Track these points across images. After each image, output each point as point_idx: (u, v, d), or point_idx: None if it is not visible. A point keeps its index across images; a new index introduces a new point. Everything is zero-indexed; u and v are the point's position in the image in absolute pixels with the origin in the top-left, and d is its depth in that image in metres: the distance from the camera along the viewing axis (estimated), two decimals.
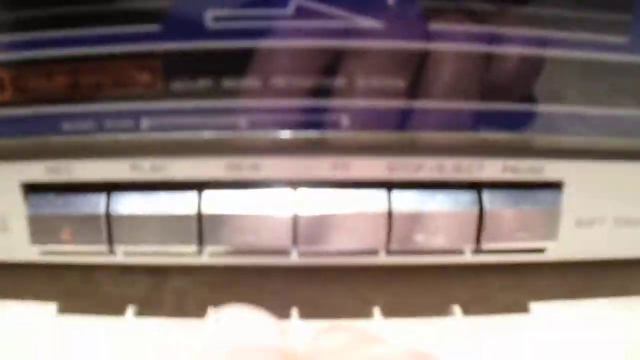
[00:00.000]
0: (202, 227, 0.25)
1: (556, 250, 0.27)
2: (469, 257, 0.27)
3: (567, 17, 0.23)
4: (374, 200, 0.25)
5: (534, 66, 0.24)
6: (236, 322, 0.21)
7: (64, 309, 0.29)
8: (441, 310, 0.28)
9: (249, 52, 0.23)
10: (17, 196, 0.26)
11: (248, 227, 0.25)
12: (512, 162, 0.26)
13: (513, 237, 0.26)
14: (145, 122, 0.24)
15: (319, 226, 0.25)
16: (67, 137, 0.24)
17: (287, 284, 0.29)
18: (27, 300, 0.29)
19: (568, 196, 0.26)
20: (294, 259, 0.26)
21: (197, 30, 0.23)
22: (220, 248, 0.26)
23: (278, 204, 0.25)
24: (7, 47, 0.23)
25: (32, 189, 0.26)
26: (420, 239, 0.26)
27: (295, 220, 0.25)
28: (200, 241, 0.25)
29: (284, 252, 0.26)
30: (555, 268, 0.29)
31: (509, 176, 0.26)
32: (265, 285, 0.29)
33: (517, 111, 0.24)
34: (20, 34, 0.23)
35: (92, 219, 0.25)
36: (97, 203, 0.25)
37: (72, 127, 0.24)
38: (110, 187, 0.26)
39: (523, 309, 0.29)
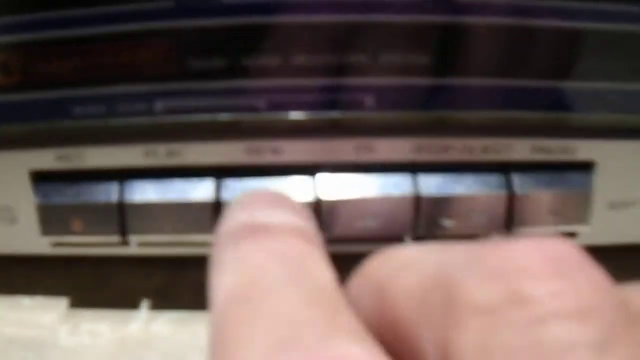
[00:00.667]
0: (220, 215, 0.24)
1: (588, 235, 0.26)
2: None
3: None
4: (399, 184, 0.24)
5: (566, 40, 0.23)
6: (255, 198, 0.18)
7: (75, 303, 0.28)
8: None
9: (268, 28, 0.22)
10: (26, 185, 0.25)
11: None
12: (542, 142, 0.24)
13: (543, 221, 0.25)
14: (159, 105, 0.23)
15: (342, 211, 0.24)
16: (78, 122, 0.23)
17: None
18: (38, 294, 0.28)
19: (600, 178, 0.25)
20: None
21: (213, 6, 0.21)
22: None
23: (299, 189, 0.24)
24: (13, 28, 0.22)
25: (41, 178, 0.25)
26: (448, 223, 0.25)
27: (316, 205, 0.24)
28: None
29: None
30: (588, 253, 0.28)
31: (539, 157, 0.25)
32: None
33: (547, 88, 0.23)
34: (26, 14, 0.22)
35: (105, 208, 0.24)
36: (109, 191, 0.24)
37: (82, 112, 0.23)
38: (123, 175, 0.24)
39: None
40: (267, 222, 0.17)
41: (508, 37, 0.22)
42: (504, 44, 0.23)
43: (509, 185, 0.25)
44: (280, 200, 0.19)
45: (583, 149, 0.25)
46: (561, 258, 0.13)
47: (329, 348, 0.13)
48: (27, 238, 0.26)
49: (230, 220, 0.18)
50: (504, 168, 0.25)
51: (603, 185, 0.25)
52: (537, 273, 0.13)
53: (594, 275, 0.13)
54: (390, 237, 0.25)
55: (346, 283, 0.18)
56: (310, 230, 0.18)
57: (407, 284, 0.15)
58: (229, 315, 0.15)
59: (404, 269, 0.15)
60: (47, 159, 0.24)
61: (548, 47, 0.23)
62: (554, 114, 0.24)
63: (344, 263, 0.28)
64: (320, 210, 0.24)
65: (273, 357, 0.13)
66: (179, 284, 0.28)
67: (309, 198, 0.24)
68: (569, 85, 0.23)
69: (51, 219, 0.25)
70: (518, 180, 0.25)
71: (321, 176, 0.24)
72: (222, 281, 0.16)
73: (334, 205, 0.24)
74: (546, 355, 0.12)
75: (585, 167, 0.25)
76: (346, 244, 0.25)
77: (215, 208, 0.24)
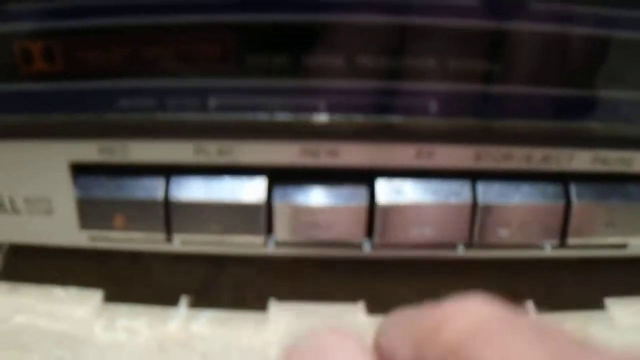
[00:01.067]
0: (270, 217, 0.23)
1: (638, 246, 0.25)
2: (548, 252, 0.25)
3: None
4: (458, 191, 0.23)
5: (628, 51, 0.22)
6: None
7: (110, 296, 0.27)
8: (514, 306, 0.27)
9: (332, 27, 0.21)
10: (65, 177, 0.24)
11: (320, 217, 0.23)
12: (602, 153, 0.24)
13: (598, 232, 0.25)
14: (213, 101, 0.22)
15: (396, 217, 0.23)
16: (124, 115, 0.22)
17: (353, 277, 0.28)
18: (71, 285, 0.27)
19: None
20: (367, 251, 0.24)
21: (279, 1, 0.20)
22: (288, 239, 0.24)
23: (354, 192, 0.23)
24: (59, 14, 0.21)
25: (81, 170, 0.24)
26: (503, 232, 0.24)
27: (370, 210, 0.23)
28: (268, 231, 0.23)
29: (356, 244, 0.24)
30: (631, 262, 0.27)
31: (598, 167, 0.24)
32: (328, 277, 0.28)
33: (607, 99, 0.22)
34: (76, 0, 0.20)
35: (149, 204, 0.23)
36: (155, 187, 0.23)
37: (129, 104, 0.22)
38: (169, 171, 0.23)
39: (598, 304, 0.27)
40: None
41: (571, 47, 0.22)
42: (567, 53, 0.22)
43: (566, 196, 0.24)
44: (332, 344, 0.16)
45: None
46: None
47: None
48: (64, 230, 0.25)
49: None
50: (562, 178, 0.24)
51: None
52: None
53: None
54: (443, 245, 0.24)
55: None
56: None
57: None
58: None
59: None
60: (89, 151, 0.23)
61: (610, 57, 0.22)
62: (613, 125, 0.23)
63: (388, 268, 0.28)
64: (372, 216, 0.23)
65: None
66: (219, 281, 0.28)
67: (362, 203, 0.23)
68: (629, 96, 0.22)
69: (91, 214, 0.24)
70: (576, 191, 0.24)
71: (377, 180, 0.23)
72: None
73: (387, 211, 0.23)
74: None
75: None
76: (397, 250, 0.24)
77: (266, 209, 0.23)
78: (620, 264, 0.27)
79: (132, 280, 0.28)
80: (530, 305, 0.27)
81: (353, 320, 0.26)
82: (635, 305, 0.28)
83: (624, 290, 0.28)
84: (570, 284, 0.28)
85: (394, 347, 0.16)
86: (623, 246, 0.26)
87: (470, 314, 0.15)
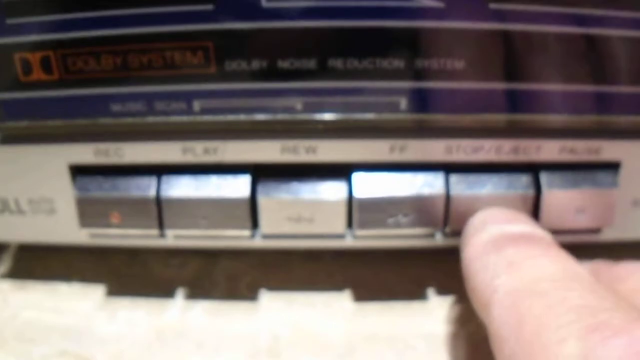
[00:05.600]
0: (255, 211, 0.25)
1: (612, 231, 0.27)
2: None
3: None
4: (431, 183, 0.25)
5: (593, 46, 0.23)
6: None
7: (111, 290, 0.29)
8: None
9: (305, 32, 0.22)
10: (65, 178, 0.25)
11: (301, 211, 0.25)
12: (569, 143, 0.25)
13: (570, 219, 0.26)
14: (197, 104, 0.23)
15: (375, 209, 0.25)
16: (117, 119, 0.24)
17: (340, 266, 0.29)
18: (74, 281, 0.29)
19: (625, 176, 0.26)
20: (349, 242, 0.26)
21: (252, 9, 0.22)
22: (273, 232, 0.25)
23: (333, 187, 0.25)
24: (54, 26, 0.22)
25: (80, 171, 0.25)
26: None
27: (350, 203, 0.25)
28: (254, 225, 0.25)
29: (339, 235, 0.25)
30: (610, 249, 0.28)
31: (566, 157, 0.25)
32: (317, 267, 0.29)
33: (573, 92, 0.24)
34: (67, 13, 0.22)
35: (142, 202, 0.25)
36: (147, 186, 0.25)
37: (121, 109, 0.24)
38: (160, 170, 0.25)
39: None
40: (520, 232, 0.22)
41: (542, 44, 0.23)
42: (537, 50, 0.23)
43: (536, 185, 0.25)
44: (517, 216, 0.24)
45: (608, 149, 0.25)
46: None
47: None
48: (66, 229, 0.26)
49: (483, 233, 0.22)
50: (532, 167, 0.25)
51: (627, 184, 0.26)
52: None
53: None
54: (421, 234, 0.26)
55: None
56: (548, 237, 0.23)
57: None
58: (524, 309, 0.18)
59: None
60: (86, 153, 0.25)
61: (576, 52, 0.23)
62: (580, 117, 0.24)
63: (373, 258, 0.29)
64: (352, 208, 0.25)
65: (591, 339, 0.16)
66: (213, 273, 0.29)
67: (342, 196, 0.25)
68: (595, 89, 0.24)
69: (90, 212, 0.25)
70: (546, 180, 0.25)
71: (354, 175, 0.25)
72: (497, 282, 0.20)
73: (367, 203, 0.25)
74: None
75: (611, 166, 0.26)
76: (378, 240, 0.26)
77: (251, 205, 0.25)
78: (599, 250, 0.28)
79: (131, 275, 0.29)
80: None
81: (340, 307, 0.28)
82: None
83: None
84: None
85: None
86: (597, 231, 0.27)
87: None
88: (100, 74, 0.23)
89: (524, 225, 0.23)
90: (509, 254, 0.21)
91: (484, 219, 0.24)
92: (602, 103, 0.24)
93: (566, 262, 0.21)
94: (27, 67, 0.23)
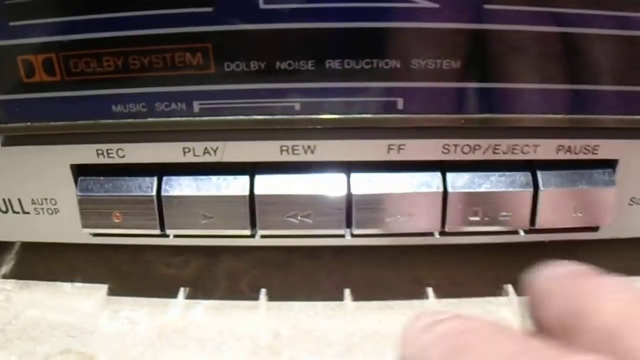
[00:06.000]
0: (254, 209, 0.25)
1: (610, 229, 0.27)
2: (522, 236, 0.26)
3: None
4: (429, 182, 0.25)
5: (586, 46, 0.23)
6: None
7: (114, 290, 0.29)
8: (494, 290, 0.28)
9: (302, 33, 0.22)
10: (68, 179, 0.26)
11: (302, 208, 0.25)
12: (566, 142, 0.25)
13: (567, 217, 0.26)
14: (197, 105, 0.24)
15: (374, 207, 0.25)
16: (118, 120, 0.24)
17: (340, 265, 0.29)
18: (77, 281, 0.29)
19: (622, 175, 0.26)
20: (348, 239, 0.26)
21: (250, 11, 0.22)
22: (273, 230, 0.25)
23: (332, 185, 0.25)
24: (56, 29, 0.23)
25: (82, 172, 0.26)
26: (474, 220, 0.25)
27: (349, 201, 0.25)
28: (253, 223, 0.25)
29: (338, 233, 0.25)
30: (609, 246, 0.28)
31: (563, 156, 0.25)
32: (317, 266, 0.29)
33: (570, 92, 0.24)
34: (69, 16, 0.22)
35: (143, 201, 0.25)
36: (148, 186, 0.25)
37: (122, 110, 0.24)
38: (161, 170, 0.25)
39: None
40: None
41: (532, 44, 0.23)
42: (529, 50, 0.23)
43: (534, 183, 0.25)
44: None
45: (605, 148, 0.25)
46: None
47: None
48: (69, 228, 0.27)
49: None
50: (530, 166, 0.25)
51: (623, 182, 0.26)
52: None
53: None
54: (419, 233, 0.26)
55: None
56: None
57: None
58: None
59: None
60: (88, 153, 0.25)
61: (571, 52, 0.23)
62: (577, 116, 0.24)
63: (373, 256, 0.29)
64: (351, 206, 0.25)
65: None
66: (214, 272, 0.29)
67: (341, 194, 0.25)
68: (591, 88, 0.24)
69: (92, 211, 0.26)
70: (543, 178, 0.25)
71: (353, 174, 0.25)
72: None
73: (365, 201, 0.25)
74: None
75: (608, 164, 0.26)
76: (376, 238, 0.26)
77: (250, 202, 0.25)
78: (598, 247, 0.29)
79: (133, 275, 0.30)
80: (510, 289, 0.28)
81: (340, 305, 0.28)
82: None
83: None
84: None
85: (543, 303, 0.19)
86: (594, 229, 0.27)
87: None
88: (102, 76, 0.23)
89: None
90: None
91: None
92: (598, 102, 0.24)
93: None
94: (30, 69, 0.23)
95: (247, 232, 0.25)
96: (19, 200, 0.27)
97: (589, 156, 0.25)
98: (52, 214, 0.27)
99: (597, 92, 0.24)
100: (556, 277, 0.19)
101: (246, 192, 0.25)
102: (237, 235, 0.26)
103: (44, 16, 0.22)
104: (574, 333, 0.17)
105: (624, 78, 0.24)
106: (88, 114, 0.24)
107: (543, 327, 0.18)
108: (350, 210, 0.25)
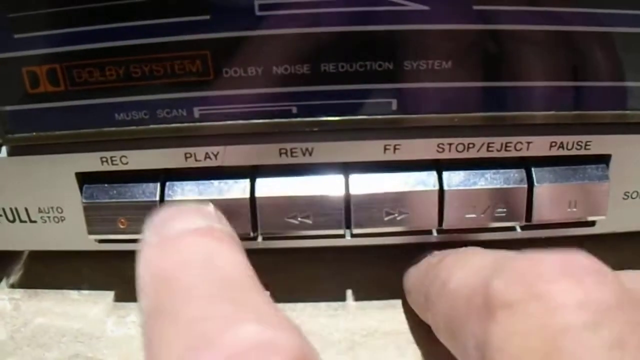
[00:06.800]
0: (255, 212, 0.26)
1: (606, 223, 0.27)
2: (519, 233, 0.27)
3: None
4: (425, 180, 0.25)
5: (579, 43, 0.24)
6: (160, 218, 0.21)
7: (120, 296, 0.30)
8: None
9: (297, 38, 0.23)
10: (74, 186, 0.26)
11: (302, 209, 0.25)
12: (559, 139, 0.26)
13: (562, 212, 0.26)
14: (197, 111, 0.24)
15: (372, 207, 0.25)
16: (121, 128, 0.25)
17: (341, 265, 0.30)
18: (85, 289, 0.30)
19: (615, 169, 0.26)
20: (348, 239, 0.26)
21: (246, 18, 0.23)
22: (274, 231, 0.26)
23: (330, 186, 0.25)
24: (59, 40, 0.23)
25: (87, 180, 0.26)
26: (472, 217, 0.26)
27: (347, 201, 0.25)
28: (255, 226, 0.26)
29: (338, 233, 0.26)
30: (605, 240, 0.29)
31: (557, 152, 0.26)
32: (319, 266, 0.30)
33: (562, 88, 0.24)
34: (72, 27, 0.23)
35: (147, 207, 0.26)
36: (151, 191, 0.26)
37: (125, 118, 0.25)
38: (164, 175, 0.26)
39: None
40: (171, 233, 0.20)
41: (523, 42, 0.24)
42: (521, 48, 0.24)
43: (528, 179, 0.26)
44: (182, 211, 0.21)
45: (598, 144, 0.26)
46: (574, 266, 0.16)
47: (233, 336, 0.16)
48: (76, 236, 0.27)
49: (144, 246, 0.20)
50: (524, 162, 0.26)
51: (617, 177, 0.26)
52: (552, 277, 0.16)
53: (602, 277, 0.16)
54: (417, 231, 0.26)
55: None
56: (217, 228, 0.21)
57: (460, 284, 0.20)
58: (150, 331, 0.18)
59: (460, 269, 0.21)
60: (92, 161, 0.26)
61: (563, 49, 0.24)
62: (569, 113, 0.25)
63: (374, 256, 0.30)
64: (350, 206, 0.26)
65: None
66: None
67: (340, 194, 0.25)
68: (583, 85, 0.24)
69: (97, 218, 0.26)
70: (537, 174, 0.26)
71: (351, 175, 0.26)
72: (142, 303, 0.19)
73: (364, 201, 0.25)
74: (553, 336, 0.16)
75: (601, 160, 0.26)
76: (376, 237, 0.27)
77: (251, 206, 0.26)
78: (595, 241, 0.29)
79: None
80: None
81: (341, 304, 0.28)
82: None
83: None
84: None
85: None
86: (591, 224, 0.27)
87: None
88: (105, 85, 0.24)
89: (187, 222, 0.21)
90: (155, 264, 0.20)
91: (152, 222, 0.22)
92: (590, 99, 0.25)
93: (211, 263, 0.19)
94: (35, 80, 0.24)
95: (249, 234, 0.26)
96: (26, 210, 0.27)
97: (582, 152, 0.26)
98: (58, 222, 0.27)
99: (589, 89, 0.24)
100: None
101: (247, 195, 0.25)
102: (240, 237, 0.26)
103: (47, 28, 0.23)
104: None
105: (616, 74, 0.24)
106: (92, 123, 0.25)
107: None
108: (349, 210, 0.26)
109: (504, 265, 0.18)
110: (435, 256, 0.25)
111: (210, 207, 0.22)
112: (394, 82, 0.24)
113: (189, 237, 0.20)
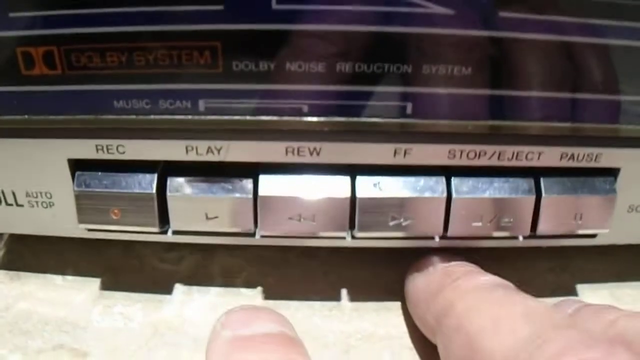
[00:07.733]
0: (256, 210, 0.25)
1: (607, 235, 0.27)
2: (521, 242, 0.27)
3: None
4: (434, 186, 0.25)
5: (593, 57, 0.23)
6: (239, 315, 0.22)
7: (107, 284, 0.29)
8: None
9: (315, 35, 0.22)
10: (65, 173, 0.25)
11: (305, 209, 0.25)
12: (569, 150, 0.25)
13: (568, 224, 0.26)
14: (202, 104, 0.23)
15: (377, 211, 0.25)
16: (119, 116, 0.23)
17: (336, 265, 0.29)
18: (69, 275, 0.29)
19: (622, 183, 0.26)
20: (349, 241, 0.26)
21: (262, 11, 0.22)
22: (275, 230, 0.25)
23: (336, 188, 0.25)
24: (58, 21, 0.22)
25: (79, 167, 0.25)
26: (478, 225, 0.25)
27: (353, 203, 0.25)
28: (255, 223, 0.25)
29: (339, 235, 0.25)
30: (602, 250, 0.29)
31: (566, 163, 0.25)
32: (315, 265, 0.29)
33: (574, 100, 0.24)
34: (74, 9, 0.22)
35: (144, 198, 0.25)
36: (148, 182, 0.25)
37: (124, 107, 0.23)
38: (162, 167, 0.25)
39: (570, 291, 0.29)
40: (246, 333, 0.21)
41: (543, 52, 0.23)
42: (540, 58, 0.23)
43: (537, 189, 0.25)
44: (258, 314, 0.23)
45: (608, 157, 0.25)
46: None
47: None
48: (64, 222, 0.26)
49: (218, 339, 0.22)
50: (533, 172, 0.25)
51: (624, 190, 0.26)
52: None
53: None
54: (421, 236, 0.26)
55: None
56: (288, 333, 0.22)
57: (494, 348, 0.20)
58: None
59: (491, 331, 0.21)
60: (87, 149, 0.25)
61: (577, 63, 0.23)
62: (580, 125, 0.24)
63: (371, 257, 0.29)
64: (354, 208, 0.25)
65: None
66: (210, 269, 0.29)
67: (344, 196, 0.25)
68: (596, 98, 0.24)
69: (89, 207, 0.25)
70: (545, 185, 0.26)
71: (357, 177, 0.25)
72: None
73: (368, 204, 0.25)
74: None
75: (609, 173, 0.26)
76: (377, 240, 0.26)
77: (253, 203, 0.25)
78: (592, 251, 0.29)
79: (126, 269, 0.29)
80: None
81: (337, 305, 0.28)
82: (603, 290, 0.29)
83: (596, 277, 0.30)
84: (544, 271, 0.30)
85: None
86: (592, 236, 0.27)
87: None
88: (105, 71, 0.23)
89: (264, 326, 0.22)
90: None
91: (226, 319, 0.23)
92: (604, 112, 0.24)
93: None
94: (29, 61, 0.22)
95: (250, 231, 0.25)
96: (13, 193, 0.26)
97: (592, 164, 0.26)
98: (46, 207, 0.26)
99: (601, 101, 0.24)
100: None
101: (250, 193, 0.25)
102: (238, 234, 0.25)
103: (46, 8, 0.22)
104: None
105: (629, 88, 0.24)
106: (89, 109, 0.23)
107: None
108: (354, 212, 0.25)
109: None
110: (449, 275, 0.25)
111: (283, 316, 0.23)
112: (411, 85, 0.23)
113: (262, 339, 0.21)
